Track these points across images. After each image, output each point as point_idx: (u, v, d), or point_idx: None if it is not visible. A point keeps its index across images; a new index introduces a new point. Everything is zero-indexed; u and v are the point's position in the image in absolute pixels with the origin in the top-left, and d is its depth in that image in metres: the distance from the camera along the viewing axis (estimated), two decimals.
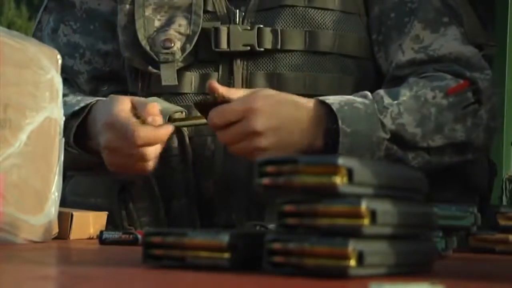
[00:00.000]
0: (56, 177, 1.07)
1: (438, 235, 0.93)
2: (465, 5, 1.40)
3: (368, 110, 1.25)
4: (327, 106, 1.25)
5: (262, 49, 1.36)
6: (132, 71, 1.42)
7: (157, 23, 1.37)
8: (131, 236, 1.09)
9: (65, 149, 1.09)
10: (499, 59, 1.51)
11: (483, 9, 1.42)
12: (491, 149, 1.42)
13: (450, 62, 1.35)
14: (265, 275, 0.70)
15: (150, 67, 1.37)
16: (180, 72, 1.36)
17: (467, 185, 1.38)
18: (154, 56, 1.36)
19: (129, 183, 1.34)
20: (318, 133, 1.25)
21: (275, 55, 1.36)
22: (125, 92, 1.41)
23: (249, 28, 1.36)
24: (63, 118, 1.09)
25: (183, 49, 1.35)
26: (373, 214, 0.68)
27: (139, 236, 1.07)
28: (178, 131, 1.33)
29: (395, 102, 1.27)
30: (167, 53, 1.35)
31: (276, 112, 1.21)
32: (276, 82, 1.35)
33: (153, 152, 1.23)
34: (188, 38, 1.36)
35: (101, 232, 1.10)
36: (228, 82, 1.36)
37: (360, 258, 0.67)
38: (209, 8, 1.38)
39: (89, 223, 1.17)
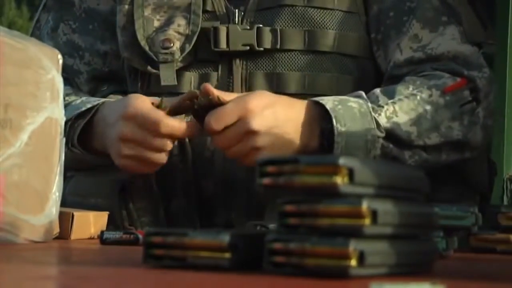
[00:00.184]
0: (57, 177, 1.07)
1: (439, 235, 0.93)
2: (464, 3, 1.40)
3: (361, 109, 1.25)
4: (321, 106, 1.25)
5: (261, 49, 1.36)
6: (132, 71, 1.42)
7: (156, 23, 1.37)
8: (132, 236, 1.09)
9: (68, 148, 1.09)
10: (500, 59, 1.50)
11: (482, 8, 1.42)
12: (491, 148, 1.42)
13: (448, 61, 1.35)
14: (265, 275, 0.70)
15: (149, 67, 1.37)
16: (179, 72, 1.36)
17: (468, 184, 1.38)
18: (153, 56, 1.36)
19: (129, 183, 1.34)
20: (312, 133, 1.25)
21: (275, 54, 1.36)
22: (124, 92, 1.41)
23: (248, 27, 1.36)
24: (64, 118, 1.09)
25: (182, 49, 1.35)
26: (374, 214, 0.68)
27: (140, 236, 1.07)
28: None
29: (390, 101, 1.28)
30: (166, 53, 1.35)
31: (270, 112, 1.22)
32: (276, 82, 1.35)
33: (170, 146, 1.24)
34: (187, 38, 1.36)
35: (102, 232, 1.10)
36: (228, 81, 1.36)
37: (361, 258, 0.67)
38: (208, 7, 1.38)
39: (90, 223, 1.17)
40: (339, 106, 1.24)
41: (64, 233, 1.12)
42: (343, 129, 1.23)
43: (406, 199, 0.75)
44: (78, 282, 0.69)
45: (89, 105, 1.32)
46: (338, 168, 0.68)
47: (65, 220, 1.13)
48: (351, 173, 0.69)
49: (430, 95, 1.30)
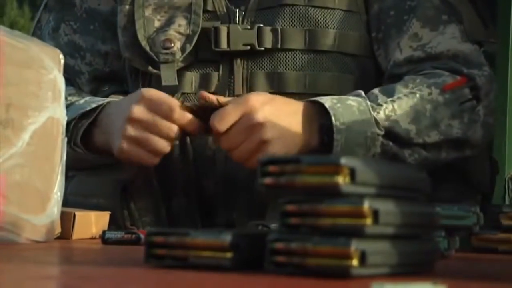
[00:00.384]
0: (59, 177, 1.07)
1: (440, 234, 0.93)
2: (465, 2, 1.40)
3: (360, 107, 1.26)
4: (319, 105, 1.25)
5: (262, 49, 1.36)
6: (133, 71, 1.42)
7: (157, 24, 1.37)
8: (133, 235, 1.09)
9: (70, 147, 1.08)
10: (502, 57, 1.50)
11: (483, 6, 1.42)
12: (492, 147, 1.42)
13: (448, 60, 1.35)
14: (267, 275, 0.70)
15: (150, 68, 1.37)
16: (180, 72, 1.36)
17: (469, 183, 1.38)
18: (154, 57, 1.36)
19: (130, 183, 1.34)
20: (312, 128, 1.25)
21: (275, 54, 1.36)
22: (125, 93, 1.41)
23: (249, 27, 1.36)
24: (66, 118, 1.09)
25: (183, 49, 1.36)
26: (375, 214, 0.68)
27: (142, 236, 1.07)
28: None
29: (389, 99, 1.28)
30: (167, 53, 1.35)
31: (272, 106, 1.22)
32: (277, 81, 1.35)
33: (177, 133, 1.23)
34: (188, 38, 1.36)
35: (104, 232, 1.10)
36: (229, 81, 1.36)
37: (363, 258, 0.67)
38: (209, 7, 1.38)
39: (92, 223, 1.17)
40: (338, 104, 1.25)
41: (65, 233, 1.12)
42: (342, 126, 1.23)
43: (408, 199, 0.75)
44: (79, 282, 0.69)
45: (94, 105, 1.32)
46: (340, 168, 0.68)
47: (66, 220, 1.13)
48: (352, 173, 0.69)
49: (430, 93, 1.30)
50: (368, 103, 1.27)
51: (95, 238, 1.16)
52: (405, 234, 0.73)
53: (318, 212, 0.69)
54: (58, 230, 1.09)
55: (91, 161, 1.33)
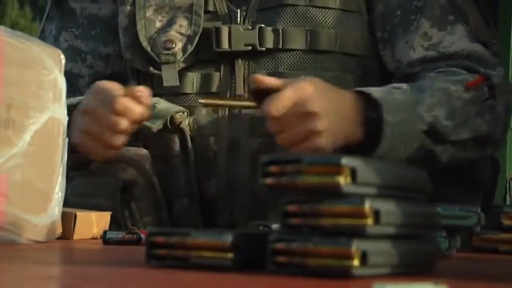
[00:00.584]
0: (60, 177, 1.07)
1: (441, 235, 0.93)
2: (470, 3, 1.40)
3: (408, 101, 1.25)
4: (366, 96, 1.24)
5: (263, 49, 1.36)
6: (134, 72, 1.42)
7: (158, 24, 1.37)
8: (134, 236, 1.09)
9: None
10: (503, 58, 1.51)
11: (485, 7, 1.42)
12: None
13: (462, 59, 1.35)
14: (268, 275, 0.70)
15: (151, 68, 1.37)
16: (181, 73, 1.36)
17: (471, 182, 1.38)
18: (155, 57, 1.36)
19: (131, 183, 1.34)
20: (358, 122, 1.23)
21: (277, 54, 1.36)
22: None
23: (250, 27, 1.36)
24: (67, 118, 1.09)
25: (184, 49, 1.36)
26: (376, 214, 0.68)
27: (143, 236, 1.07)
28: (180, 131, 1.33)
29: (425, 94, 1.27)
30: (168, 54, 1.35)
31: (327, 96, 1.20)
32: None
33: (125, 125, 1.22)
34: (189, 39, 1.36)
35: (105, 232, 1.10)
36: (230, 82, 1.36)
37: (364, 258, 0.67)
38: (210, 8, 1.38)
39: (93, 223, 1.17)
40: (388, 97, 1.24)
41: (66, 233, 1.12)
42: (391, 119, 1.22)
43: (409, 199, 0.75)
44: (80, 282, 0.69)
45: (75, 102, 1.31)
46: (341, 168, 0.68)
47: (67, 220, 1.13)
48: (353, 173, 0.69)
49: (457, 90, 1.30)
50: (413, 96, 1.26)
51: (96, 238, 1.16)
52: (406, 234, 0.73)
53: (319, 212, 0.69)
54: (59, 230, 1.09)
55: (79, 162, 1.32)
